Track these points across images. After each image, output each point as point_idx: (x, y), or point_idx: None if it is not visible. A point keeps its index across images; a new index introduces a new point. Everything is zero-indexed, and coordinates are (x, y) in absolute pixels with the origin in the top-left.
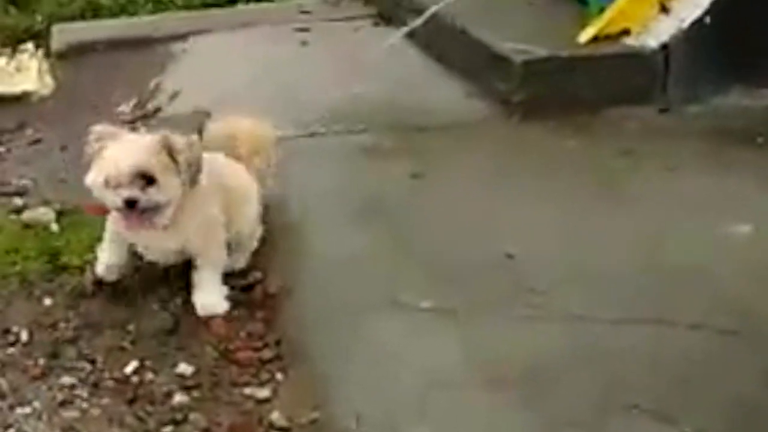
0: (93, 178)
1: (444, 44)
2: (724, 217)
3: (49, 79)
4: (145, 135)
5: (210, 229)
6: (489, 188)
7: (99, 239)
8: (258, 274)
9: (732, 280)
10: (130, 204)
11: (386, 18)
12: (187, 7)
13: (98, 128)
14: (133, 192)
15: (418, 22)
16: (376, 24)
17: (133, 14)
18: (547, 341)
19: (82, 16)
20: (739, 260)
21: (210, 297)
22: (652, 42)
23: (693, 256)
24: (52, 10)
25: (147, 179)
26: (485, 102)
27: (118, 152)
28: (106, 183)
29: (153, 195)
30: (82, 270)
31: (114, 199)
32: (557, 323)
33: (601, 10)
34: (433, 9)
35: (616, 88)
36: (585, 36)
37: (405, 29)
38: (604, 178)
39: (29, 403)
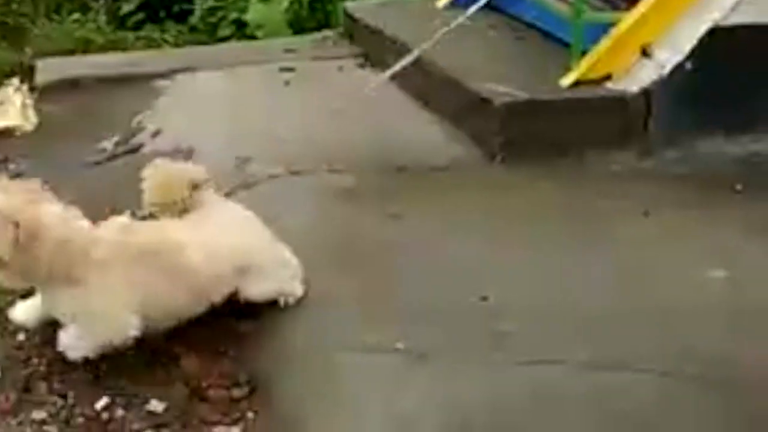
0: None
1: (426, 86)
2: (700, 262)
3: (32, 115)
4: None
5: None
6: (467, 230)
7: None
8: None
9: (705, 326)
10: None
11: (371, 59)
12: (178, 44)
13: None
14: None
15: (401, 64)
16: (361, 65)
17: (123, 51)
18: (514, 386)
19: (72, 52)
20: (713, 306)
21: (70, 338)
22: (634, 87)
23: (667, 301)
24: (43, 45)
25: None
26: (466, 144)
27: None
28: None
29: None
30: None
31: None
32: (526, 367)
33: (584, 53)
34: (416, 53)
35: (597, 132)
36: (567, 80)
37: (388, 72)
38: (583, 221)
39: None
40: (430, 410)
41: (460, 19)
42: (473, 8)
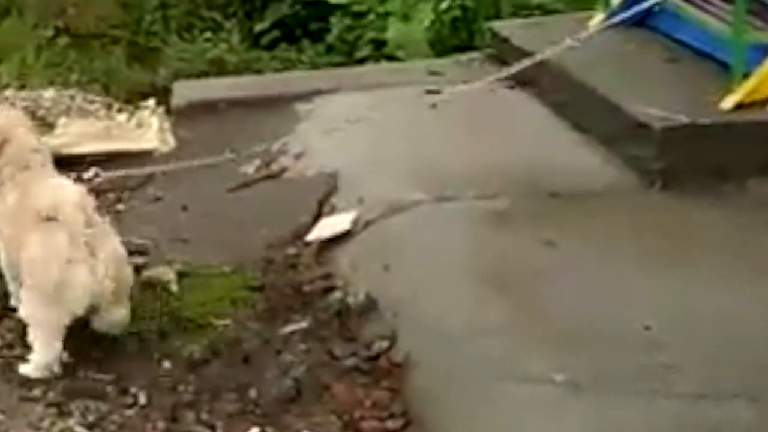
0: None
1: (581, 109)
2: None
3: (169, 137)
4: None
5: None
6: (624, 258)
7: (220, 300)
8: (384, 344)
9: None
10: None
11: (521, 81)
12: (314, 64)
13: None
14: None
15: (522, 65)
16: (511, 87)
17: (258, 72)
18: (682, 420)
19: (206, 73)
20: None
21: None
22: None
23: None
24: (176, 66)
25: None
26: (622, 169)
27: None
28: None
29: None
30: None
31: None
32: (688, 403)
33: (746, 75)
34: (543, 55)
35: (760, 158)
36: (729, 102)
37: (507, 71)
38: (747, 253)
39: None
40: None
41: (592, 30)
42: (611, 21)
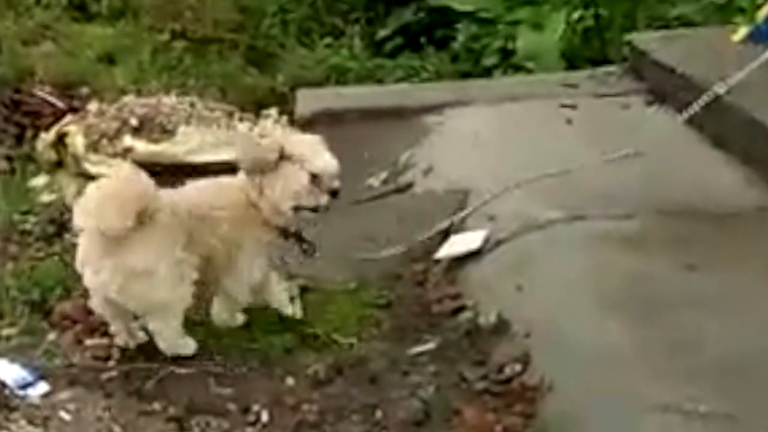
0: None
1: (722, 126)
2: None
3: None
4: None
5: None
6: None
7: (346, 317)
8: (517, 367)
9: None
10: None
11: (659, 95)
12: (438, 73)
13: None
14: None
15: (700, 103)
16: (650, 102)
17: (380, 80)
18: None
19: (327, 80)
20: None
21: None
22: None
23: None
24: (295, 72)
25: None
26: (766, 189)
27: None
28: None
29: None
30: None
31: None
32: None
33: None
34: (717, 91)
35: None
36: None
37: (687, 112)
38: None
39: None
40: None
41: (763, 58)
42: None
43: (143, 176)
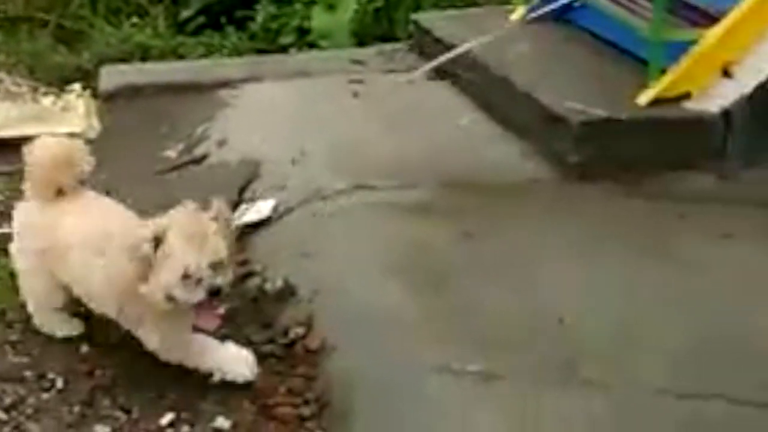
0: (168, 279)
1: (500, 101)
2: None
3: (95, 121)
4: (196, 212)
5: None
6: (542, 250)
7: None
8: (300, 330)
9: None
10: (216, 293)
11: (441, 72)
12: (237, 51)
13: (144, 231)
14: (216, 280)
15: (445, 57)
16: (431, 78)
17: (182, 57)
18: (596, 412)
19: (131, 57)
20: None
21: None
22: (713, 107)
23: (753, 329)
24: (102, 50)
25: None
26: (540, 161)
27: (187, 244)
28: (185, 278)
29: (227, 276)
30: None
31: (196, 293)
32: (608, 393)
33: (663, 71)
34: (465, 47)
35: (674, 153)
36: (645, 98)
37: (433, 62)
38: (659, 243)
39: None
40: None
41: (512, 23)
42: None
43: None
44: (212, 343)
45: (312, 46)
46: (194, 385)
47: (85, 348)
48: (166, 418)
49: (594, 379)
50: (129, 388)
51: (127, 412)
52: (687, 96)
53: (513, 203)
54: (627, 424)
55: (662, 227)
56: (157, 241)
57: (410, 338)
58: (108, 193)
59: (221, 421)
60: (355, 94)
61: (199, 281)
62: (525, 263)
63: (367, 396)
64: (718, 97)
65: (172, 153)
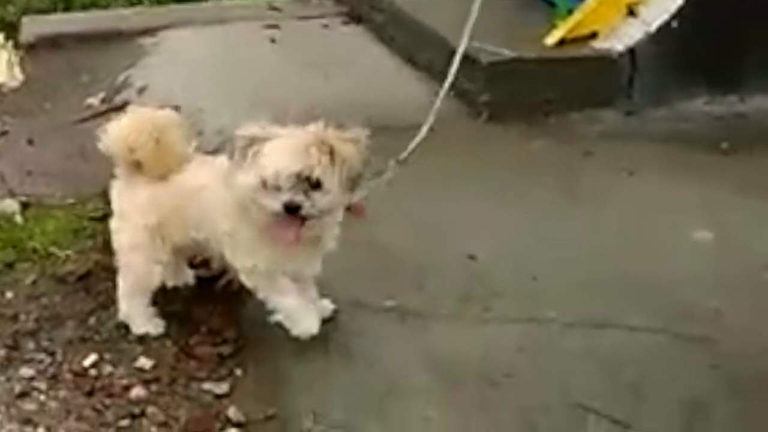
0: (248, 180)
1: (411, 43)
2: (685, 222)
3: (18, 71)
4: (303, 130)
5: None
6: (453, 188)
7: (63, 231)
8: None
9: (691, 286)
10: (291, 209)
11: (355, 16)
12: (160, 1)
13: (249, 131)
14: (296, 196)
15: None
16: (346, 22)
17: (105, 7)
18: (502, 343)
19: (54, 9)
20: (698, 267)
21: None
22: (619, 45)
23: (652, 261)
24: (26, 1)
25: (311, 183)
26: (451, 102)
27: (278, 151)
28: (264, 186)
29: (318, 201)
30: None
31: (272, 203)
32: (513, 325)
33: (570, 12)
34: None
35: (582, 91)
36: (552, 38)
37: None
38: (567, 180)
39: None
40: (417, 366)
41: None
42: None
43: None
44: (294, 290)
45: None
46: (117, 327)
47: (9, 294)
48: (89, 359)
49: (500, 313)
50: (52, 332)
51: (51, 354)
52: (593, 36)
53: (425, 143)
54: (531, 355)
55: (569, 165)
56: (253, 142)
57: (325, 275)
58: (30, 143)
59: (143, 361)
60: (272, 40)
61: (277, 190)
62: (436, 202)
63: (284, 334)
64: (624, 36)
65: (94, 101)
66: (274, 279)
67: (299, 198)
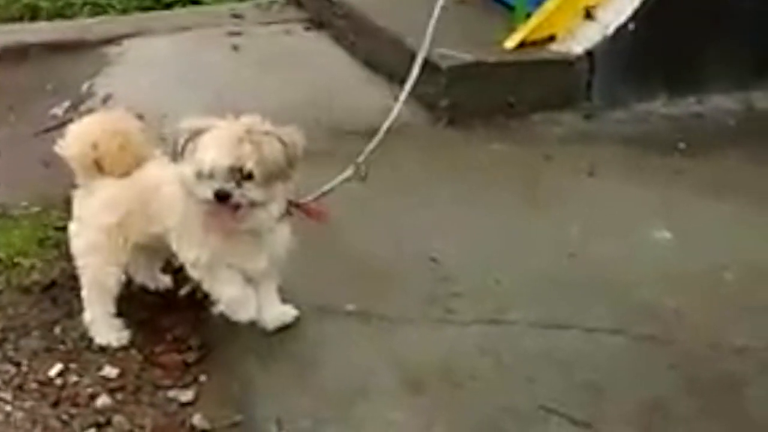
0: (186, 171)
1: (372, 48)
2: (644, 223)
3: None
4: (238, 122)
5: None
6: (414, 192)
7: (29, 240)
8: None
9: (650, 286)
10: (222, 197)
11: (317, 22)
12: (125, 11)
13: (189, 123)
14: (226, 184)
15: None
16: (308, 28)
17: (70, 17)
18: (465, 345)
19: (21, 18)
20: (657, 267)
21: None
22: (578, 48)
23: (612, 262)
24: None
25: (243, 174)
26: (412, 106)
27: (213, 143)
28: (198, 175)
29: (248, 191)
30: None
31: (204, 191)
32: (475, 326)
33: (528, 15)
34: None
35: (541, 94)
36: (511, 42)
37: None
38: (527, 182)
39: None
40: (381, 369)
41: None
42: None
43: None
44: (239, 282)
45: (195, 2)
46: (82, 336)
47: None
48: (55, 369)
49: (463, 315)
50: (17, 341)
51: (17, 364)
52: (552, 39)
53: (386, 147)
54: (494, 356)
55: (530, 167)
56: (193, 135)
57: (289, 281)
58: None
59: (108, 370)
60: (235, 47)
61: (210, 179)
62: (398, 205)
63: (249, 340)
64: (582, 39)
65: (58, 111)
66: (216, 271)
67: (229, 186)
